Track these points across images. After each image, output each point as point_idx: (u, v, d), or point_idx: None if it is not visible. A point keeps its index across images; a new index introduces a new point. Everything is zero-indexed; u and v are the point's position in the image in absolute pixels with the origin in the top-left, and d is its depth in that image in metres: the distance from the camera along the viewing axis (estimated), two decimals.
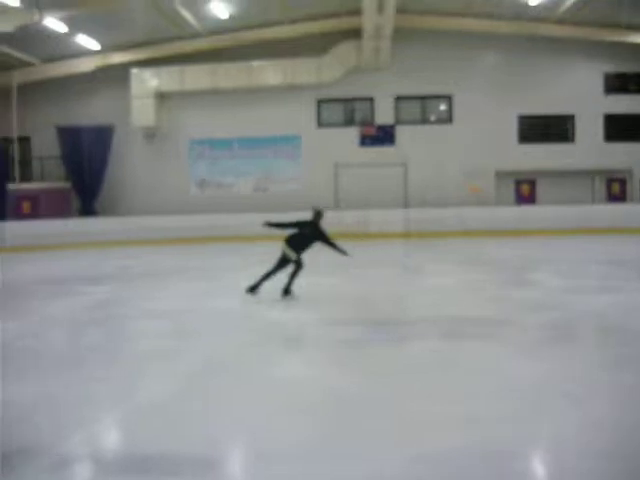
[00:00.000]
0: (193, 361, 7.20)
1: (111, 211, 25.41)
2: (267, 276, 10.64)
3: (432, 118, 25.66)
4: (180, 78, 24.81)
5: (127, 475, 4.36)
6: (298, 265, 10.60)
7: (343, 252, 10.56)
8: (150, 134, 25.74)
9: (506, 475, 4.17)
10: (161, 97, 25.44)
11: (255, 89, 24.97)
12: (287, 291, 10.70)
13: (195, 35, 24.20)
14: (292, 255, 10.36)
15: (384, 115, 25.21)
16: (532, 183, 25.18)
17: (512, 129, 25.10)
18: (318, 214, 10.65)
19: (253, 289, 10.69)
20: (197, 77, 24.73)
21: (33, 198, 24.84)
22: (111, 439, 5.20)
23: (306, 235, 10.40)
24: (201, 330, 8.89)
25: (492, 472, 4.20)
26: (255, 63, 24.59)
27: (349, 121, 25.58)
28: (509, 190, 25.21)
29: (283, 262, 10.47)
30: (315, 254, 10.38)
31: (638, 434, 4.79)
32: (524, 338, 7.91)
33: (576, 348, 7.59)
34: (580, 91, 25.10)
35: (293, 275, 10.65)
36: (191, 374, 6.70)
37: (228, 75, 24.62)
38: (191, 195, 25.57)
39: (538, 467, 4.42)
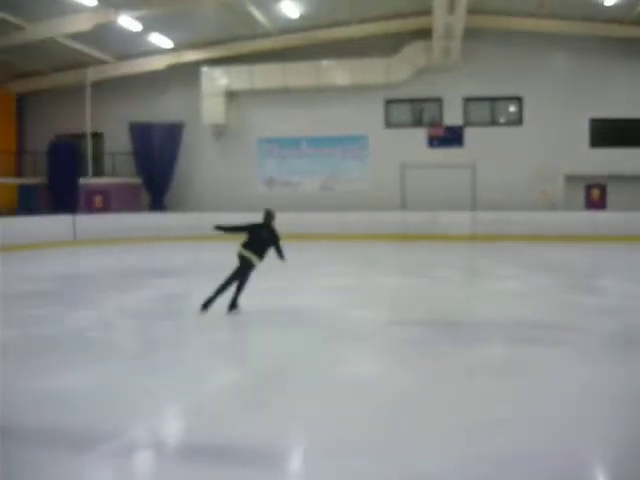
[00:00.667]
0: (262, 356, 7.40)
1: (180, 207, 26.00)
2: (223, 288, 9.65)
3: (501, 120, 25.52)
4: (250, 77, 25.23)
5: (191, 464, 4.50)
6: (247, 275, 9.87)
7: (282, 257, 10.00)
8: (219, 132, 26.26)
9: (558, 477, 4.20)
10: (231, 95, 25.92)
11: (324, 88, 25.23)
12: (234, 305, 9.86)
13: (265, 34, 24.55)
14: (256, 260, 9.65)
15: (453, 116, 25.18)
16: (603, 188, 24.82)
17: (583, 132, 24.75)
18: (269, 215, 10.05)
19: (206, 305, 9.56)
20: (266, 76, 25.10)
21: (104, 192, 25.57)
22: (175, 428, 5.39)
23: (264, 238, 9.78)
24: (271, 325, 9.10)
25: (555, 476, 4.23)
26: (324, 63, 24.85)
27: (417, 122, 25.62)
28: (579, 194, 24.90)
29: (245, 269, 9.69)
30: (389, 255, 10.44)
31: None
32: (590, 344, 7.90)
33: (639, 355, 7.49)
34: None
35: (240, 287, 9.87)
36: (259, 368, 6.87)
37: (297, 74, 24.93)
38: (259, 193, 25.96)
39: (599, 471, 4.44)
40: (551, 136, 24.57)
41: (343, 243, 22.14)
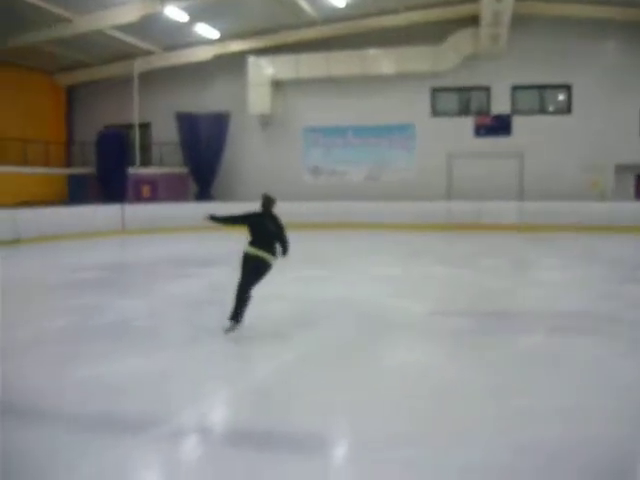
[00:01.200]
0: (307, 344, 7.49)
1: (226, 196, 26.30)
2: (244, 297, 8.11)
3: (550, 108, 25.27)
4: (295, 66, 25.38)
5: (237, 449, 4.63)
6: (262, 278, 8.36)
7: (286, 251, 8.38)
8: (265, 121, 26.51)
9: (600, 469, 4.23)
10: (276, 85, 26.12)
11: (369, 77, 25.26)
12: (239, 316, 8.08)
13: (311, 23, 24.68)
14: (273, 259, 8.15)
15: (500, 105, 25.02)
16: None
17: (634, 121, 24.37)
18: (269, 200, 8.36)
19: (237, 319, 8.02)
20: (312, 65, 25.23)
21: (152, 182, 26.00)
22: (222, 414, 5.54)
23: (270, 231, 8.18)
24: (315, 315, 9.18)
25: (588, 466, 4.27)
26: (369, 51, 24.86)
27: (464, 110, 25.53)
28: (629, 184, 24.59)
29: (262, 271, 8.15)
30: (434, 244, 10.38)
31: None
32: (633, 336, 7.88)
33: None
34: None
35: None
36: (304, 358, 6.96)
37: (342, 63, 25.00)
38: (304, 182, 26.16)
39: (632, 461, 4.48)
40: (600, 125, 24.26)
41: (388, 233, 22.21)
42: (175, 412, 5.29)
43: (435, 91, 25.55)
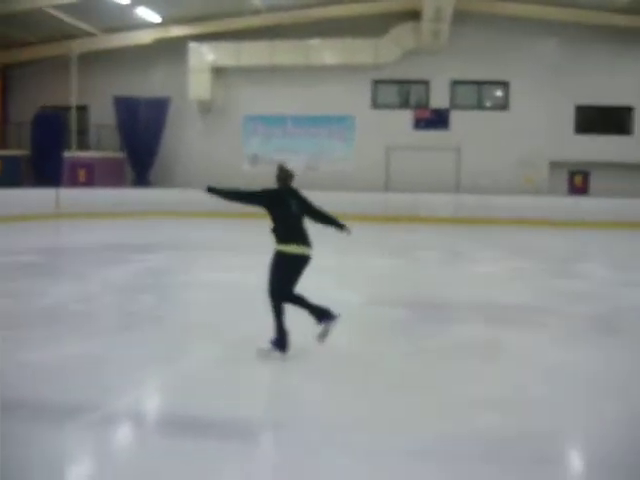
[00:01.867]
0: (241, 332, 7.49)
1: (164, 183, 26.12)
2: (301, 299, 6.72)
3: (488, 104, 25.85)
4: (237, 53, 25.33)
5: (171, 436, 4.64)
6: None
7: (341, 226, 7.08)
8: (205, 108, 26.39)
9: (537, 457, 4.35)
10: (217, 72, 26.01)
11: (311, 67, 25.36)
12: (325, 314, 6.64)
13: (254, 11, 24.63)
14: (309, 250, 6.62)
15: (439, 99, 25.45)
16: (586, 174, 25.25)
17: (568, 119, 25.14)
18: (287, 173, 6.81)
19: (283, 345, 6.51)
20: (254, 53, 25.22)
21: (88, 166, 25.65)
22: (156, 401, 5.55)
23: (296, 214, 6.62)
24: (250, 304, 8.98)
25: (524, 454, 4.39)
26: (312, 41, 24.97)
27: (404, 103, 25.90)
28: (562, 180, 25.30)
29: (300, 266, 6.65)
30: (371, 236, 10.41)
31: None
32: (566, 327, 8.13)
33: (621, 341, 7.69)
34: None
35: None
36: (236, 346, 6.95)
37: (285, 52, 25.04)
38: (243, 170, 26.14)
39: (567, 450, 4.64)
40: (536, 121, 24.92)
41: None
42: (108, 398, 5.26)
43: (376, 83, 25.83)
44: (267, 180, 24.59)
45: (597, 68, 24.89)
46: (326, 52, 25.01)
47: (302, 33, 24.97)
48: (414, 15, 23.91)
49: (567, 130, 25.07)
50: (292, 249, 6.45)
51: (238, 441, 4.55)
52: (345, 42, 24.83)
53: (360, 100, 25.70)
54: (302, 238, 6.53)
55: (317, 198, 22.71)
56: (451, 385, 5.78)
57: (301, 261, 6.53)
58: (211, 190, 6.73)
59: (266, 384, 5.75)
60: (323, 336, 6.46)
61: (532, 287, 11.19)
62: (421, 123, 25.36)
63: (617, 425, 4.94)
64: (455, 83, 25.46)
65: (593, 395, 5.63)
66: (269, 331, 7.51)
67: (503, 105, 25.49)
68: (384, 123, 25.38)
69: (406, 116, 25.52)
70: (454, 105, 25.48)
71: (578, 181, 25.26)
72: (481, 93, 25.68)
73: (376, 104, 25.86)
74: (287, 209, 6.53)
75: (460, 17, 23.79)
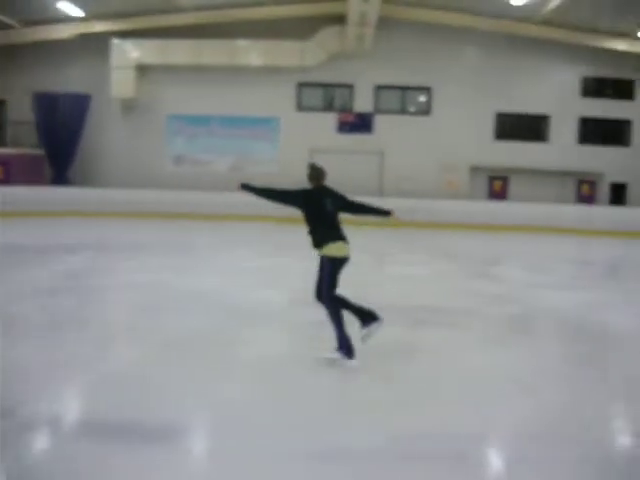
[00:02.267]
0: (164, 336, 7.41)
1: (85, 181, 25.60)
2: (348, 304, 6.72)
3: (411, 109, 26.31)
4: (162, 51, 25.08)
5: (91, 440, 4.57)
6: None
7: (386, 213, 7.10)
8: (128, 106, 26.01)
9: (459, 456, 4.48)
10: (141, 69, 25.68)
11: (237, 68, 25.33)
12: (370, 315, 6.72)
13: (180, 9, 24.47)
14: (348, 248, 6.66)
15: (363, 103, 25.79)
16: (505, 180, 26.01)
17: (488, 125, 25.89)
18: (318, 172, 6.83)
19: (350, 351, 6.45)
20: (179, 52, 25.01)
21: (5, 163, 24.92)
22: (76, 405, 5.43)
23: (330, 213, 6.65)
24: (172, 305, 9.11)
25: (441, 453, 4.52)
26: (238, 42, 24.95)
27: (328, 106, 26.13)
28: (482, 185, 26.00)
29: (343, 267, 6.70)
30: (297, 237, 10.31)
31: (590, 423, 5.19)
32: (485, 329, 8.35)
33: (534, 341, 7.99)
34: (557, 92, 25.98)
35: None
36: (161, 348, 6.91)
37: (210, 52, 24.94)
38: (167, 170, 25.89)
39: (484, 448, 4.76)
40: (458, 127, 25.56)
41: (251, 224, 22.37)
42: (29, 401, 5.15)
43: (301, 86, 25.97)
44: (190, 181, 24.58)
45: (517, 77, 25.74)
46: (252, 53, 25.03)
47: (228, 33, 24.93)
48: (340, 19, 24.17)
49: (487, 136, 25.82)
50: (335, 252, 6.48)
51: (160, 446, 4.53)
52: (271, 44, 24.92)
53: (285, 102, 25.81)
54: (339, 236, 6.53)
55: (244, 199, 22.81)
56: (370, 386, 5.89)
57: (344, 262, 6.57)
58: (245, 187, 6.74)
59: (189, 386, 5.71)
60: (367, 338, 6.52)
61: (451, 289, 11.43)
62: (345, 127, 25.65)
63: (530, 422, 5.11)
64: (379, 88, 25.85)
65: (507, 394, 5.82)
66: (195, 332, 7.57)
67: (426, 110, 26.02)
68: (309, 126, 25.57)
69: (330, 119, 25.77)
70: (378, 109, 25.87)
71: (497, 186, 26.00)
72: (404, 98, 26.14)
73: (301, 107, 26.01)
74: (322, 209, 6.54)
75: (385, 22, 24.18)
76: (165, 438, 4.65)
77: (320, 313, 8.71)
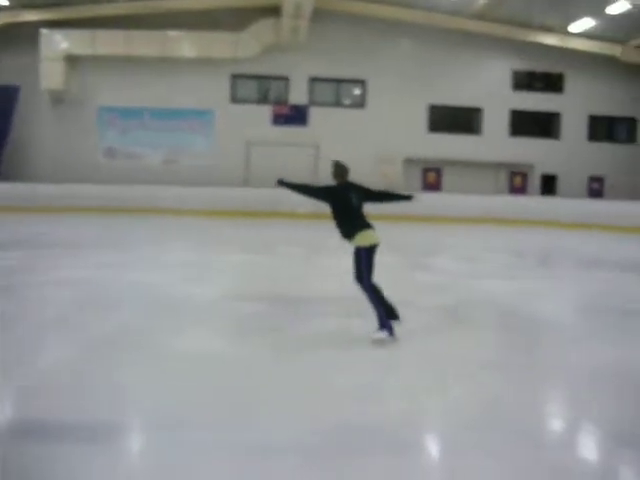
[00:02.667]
0: (98, 331, 7.30)
1: (15, 176, 24.97)
2: (379, 296, 7.17)
3: (346, 101, 26.51)
4: (92, 42, 24.65)
5: (24, 441, 4.43)
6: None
7: (405, 196, 7.73)
8: (59, 98, 25.48)
9: (395, 445, 4.50)
10: (71, 60, 25.19)
11: (170, 59, 25.07)
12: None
13: None
14: (376, 235, 7.19)
15: (298, 95, 25.86)
16: (438, 171, 26.42)
17: (422, 118, 26.27)
18: (342, 169, 7.36)
19: (391, 316, 7.05)
20: (110, 42, 24.62)
21: None
22: (7, 405, 5.24)
23: (355, 207, 7.23)
24: (106, 301, 8.95)
25: (382, 442, 4.54)
26: (171, 33, 24.70)
27: (263, 99, 26.13)
28: (417, 177, 26.34)
29: (374, 253, 7.21)
30: (232, 231, 10.38)
31: (522, 410, 5.25)
32: (422, 319, 8.36)
33: (469, 330, 8.05)
34: (489, 86, 26.55)
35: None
36: (95, 344, 6.80)
37: (142, 43, 24.63)
38: (99, 164, 25.49)
39: (426, 438, 4.79)
40: (392, 119, 25.86)
41: (186, 218, 22.22)
42: None
43: (235, 78, 25.88)
44: (123, 174, 24.17)
45: (450, 70, 26.17)
46: (185, 44, 24.81)
47: (160, 24, 24.67)
48: (274, 11, 24.14)
49: (421, 129, 26.20)
50: (365, 241, 7.04)
51: (93, 444, 4.40)
52: (204, 35, 24.75)
53: (219, 94, 25.69)
54: (366, 225, 7.10)
55: (176, 193, 22.43)
56: (306, 378, 5.87)
57: (375, 248, 7.09)
58: (281, 183, 7.33)
59: (123, 384, 5.61)
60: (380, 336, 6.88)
61: (387, 280, 11.48)
62: (280, 119, 25.69)
63: (465, 410, 5.16)
64: (314, 80, 25.94)
65: (442, 382, 5.87)
66: (129, 328, 7.46)
67: (360, 103, 26.25)
68: (244, 118, 25.50)
69: (265, 112, 25.77)
70: (313, 102, 25.98)
71: (431, 178, 26.40)
72: (339, 90, 26.32)
73: (235, 99, 25.93)
74: (348, 203, 7.13)
75: (320, 15, 24.25)
76: (99, 438, 4.53)
77: (253, 307, 8.78)
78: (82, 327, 7.45)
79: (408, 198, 7.65)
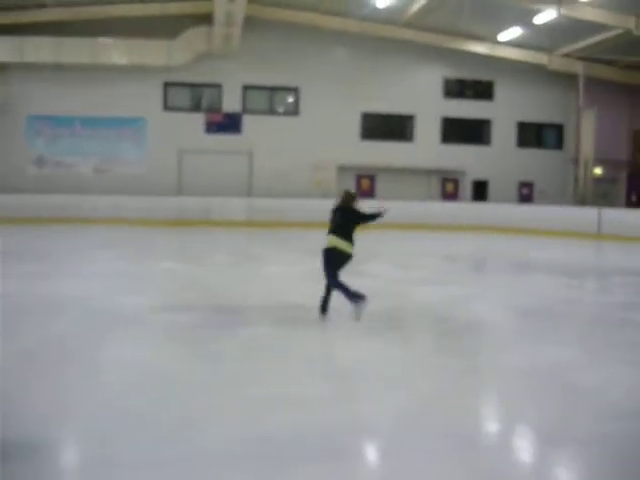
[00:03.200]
0: (22, 343, 7.23)
1: None
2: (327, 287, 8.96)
3: (279, 109, 26.68)
4: (20, 49, 24.17)
5: None
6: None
7: (378, 215, 9.12)
8: None
9: (330, 452, 4.47)
10: None
11: (101, 67, 24.81)
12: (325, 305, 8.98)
13: (40, 5, 23.76)
14: (344, 246, 8.77)
15: (231, 103, 25.91)
16: (372, 178, 26.75)
17: (355, 125, 26.62)
18: (348, 196, 8.96)
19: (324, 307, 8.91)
20: (39, 49, 24.21)
21: None
22: None
23: (337, 223, 8.83)
24: (33, 313, 8.87)
25: (316, 449, 4.50)
26: (101, 40, 24.44)
27: (196, 107, 26.11)
28: (350, 184, 26.57)
29: (329, 259, 8.86)
30: (164, 240, 10.18)
31: (459, 413, 5.34)
32: (357, 325, 8.52)
33: (405, 335, 8.34)
34: (421, 93, 27.06)
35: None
36: (19, 353, 6.77)
37: (73, 50, 24.28)
38: (28, 173, 25.07)
39: (364, 444, 4.85)
40: (326, 127, 26.13)
41: (117, 228, 22.01)
42: None
43: (167, 86, 25.77)
44: (53, 183, 23.68)
45: (382, 78, 26.56)
46: (116, 52, 24.58)
47: (91, 31, 24.41)
48: (206, 19, 24.12)
49: (354, 136, 26.53)
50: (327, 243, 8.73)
51: (24, 459, 4.32)
52: (136, 43, 24.57)
53: (151, 102, 25.55)
54: (331, 232, 8.71)
55: (107, 202, 22.15)
56: (239, 387, 5.86)
57: (329, 252, 8.70)
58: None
59: (51, 397, 5.47)
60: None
61: (321, 287, 11.65)
62: (213, 127, 25.69)
63: (402, 415, 5.26)
64: (247, 88, 26.02)
65: (379, 388, 5.99)
66: (57, 340, 7.36)
67: (294, 111, 26.43)
68: (176, 126, 25.44)
69: (198, 120, 25.75)
70: (246, 110, 26.06)
71: (365, 184, 26.70)
72: (273, 98, 26.49)
73: (168, 107, 25.81)
74: (332, 220, 8.81)
75: (252, 23, 24.36)
76: (26, 454, 4.42)
77: (183, 316, 8.72)
78: (7, 340, 7.29)
79: (380, 215, 9.08)
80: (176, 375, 6.13)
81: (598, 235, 23.02)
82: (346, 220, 8.76)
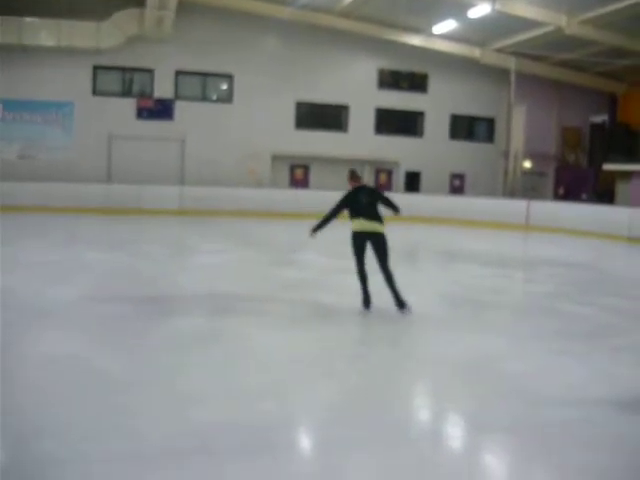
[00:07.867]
0: None
1: None
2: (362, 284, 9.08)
3: (213, 96, 26.59)
4: None
5: None
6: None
7: (394, 208, 8.87)
8: None
9: (265, 446, 4.50)
10: None
11: (27, 48, 24.14)
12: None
13: None
14: (381, 227, 8.73)
15: (163, 89, 25.71)
16: (306, 168, 26.90)
17: (290, 114, 26.80)
18: (353, 174, 9.14)
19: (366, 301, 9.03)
20: None
21: None
22: None
23: (364, 204, 8.76)
24: None
25: (252, 443, 4.52)
26: (28, 20, 23.79)
27: (127, 92, 25.79)
28: (284, 173, 26.71)
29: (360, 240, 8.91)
30: (92, 229, 9.94)
31: (391, 403, 5.52)
32: (288, 314, 8.77)
33: (336, 325, 8.44)
34: (356, 83, 27.47)
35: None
36: None
37: None
38: None
39: (296, 436, 4.88)
40: (260, 116, 26.25)
41: (44, 216, 21.49)
42: None
43: (97, 69, 25.34)
44: None
45: (317, 67, 26.88)
46: (43, 32, 24.01)
47: (16, 10, 23.67)
48: (138, 1, 23.70)
49: (288, 125, 26.69)
50: (354, 227, 8.67)
51: None
52: (64, 23, 24.05)
53: (79, 86, 25.07)
54: (365, 215, 8.57)
55: (34, 189, 21.59)
56: (169, 376, 5.91)
57: (363, 236, 8.64)
58: (315, 230, 9.11)
59: None
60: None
61: (253, 276, 11.77)
62: (144, 112, 25.44)
63: (334, 406, 5.38)
64: (179, 73, 25.83)
65: (310, 378, 6.13)
66: None
67: (228, 98, 26.43)
68: (106, 111, 25.11)
69: (129, 105, 25.48)
70: (178, 96, 25.90)
71: (299, 174, 26.85)
72: (206, 85, 26.41)
73: (97, 91, 25.37)
74: (358, 202, 8.67)
75: (186, 7, 24.24)
76: None
77: (113, 307, 8.63)
78: None
79: (397, 211, 8.83)
80: (104, 368, 6.08)
81: (527, 226, 23.83)
82: (374, 200, 8.78)
